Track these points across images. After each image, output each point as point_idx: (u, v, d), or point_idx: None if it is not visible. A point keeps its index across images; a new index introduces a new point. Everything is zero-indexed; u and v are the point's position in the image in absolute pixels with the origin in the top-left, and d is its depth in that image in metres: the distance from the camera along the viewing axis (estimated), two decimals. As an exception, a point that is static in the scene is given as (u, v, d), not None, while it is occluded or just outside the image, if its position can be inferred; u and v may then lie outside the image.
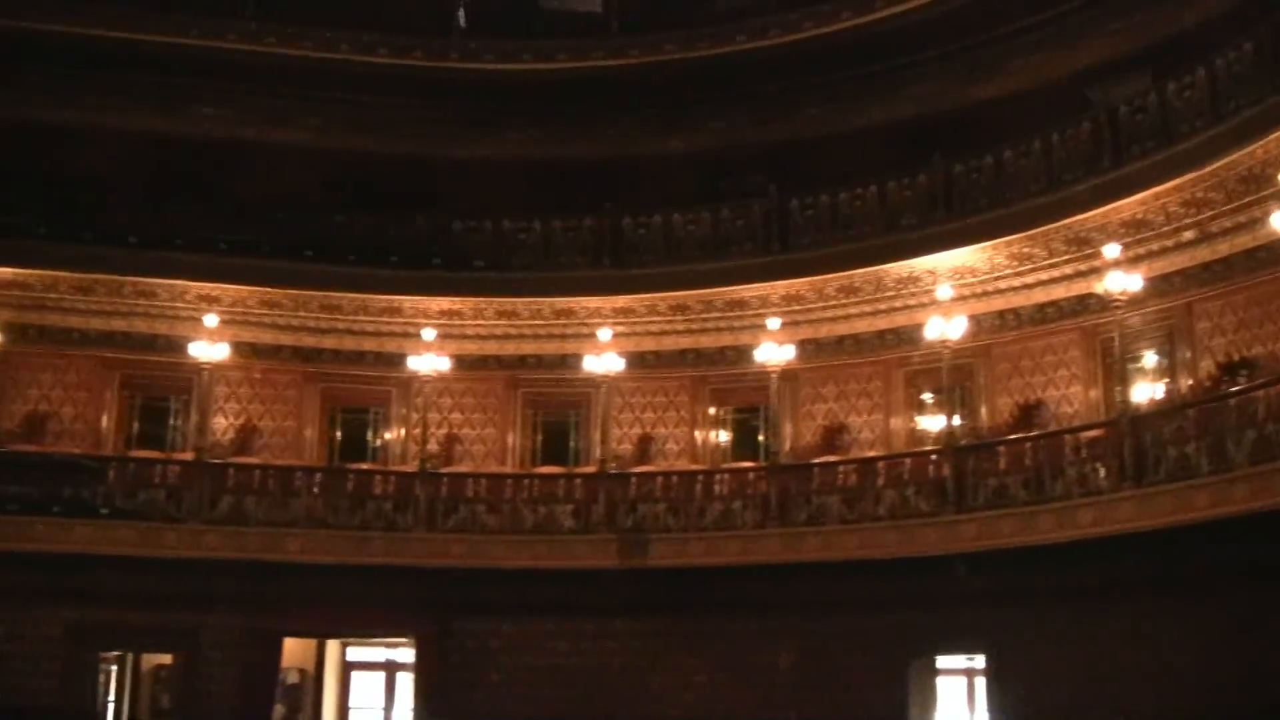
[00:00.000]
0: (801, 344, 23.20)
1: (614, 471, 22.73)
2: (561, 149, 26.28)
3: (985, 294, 22.52)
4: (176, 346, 23.58)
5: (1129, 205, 19.74)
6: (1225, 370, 19.72)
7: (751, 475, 22.47)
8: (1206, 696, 17.03)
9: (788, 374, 22.97)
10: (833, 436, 24.17)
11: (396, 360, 24.30)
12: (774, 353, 21.84)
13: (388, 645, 24.66)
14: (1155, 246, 20.35)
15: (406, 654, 23.65)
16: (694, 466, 24.03)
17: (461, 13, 26.60)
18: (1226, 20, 20.03)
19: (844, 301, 23.74)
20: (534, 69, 25.70)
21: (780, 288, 23.45)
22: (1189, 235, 20.13)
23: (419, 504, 22.17)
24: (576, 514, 22.24)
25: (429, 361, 22.67)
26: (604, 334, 22.70)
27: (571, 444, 25.41)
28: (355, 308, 24.49)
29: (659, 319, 24.60)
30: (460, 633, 22.20)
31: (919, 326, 21.62)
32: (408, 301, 24.21)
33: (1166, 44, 21.57)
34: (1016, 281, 22.26)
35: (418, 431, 23.73)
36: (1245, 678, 16.79)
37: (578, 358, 23.42)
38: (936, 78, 24.40)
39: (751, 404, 24.80)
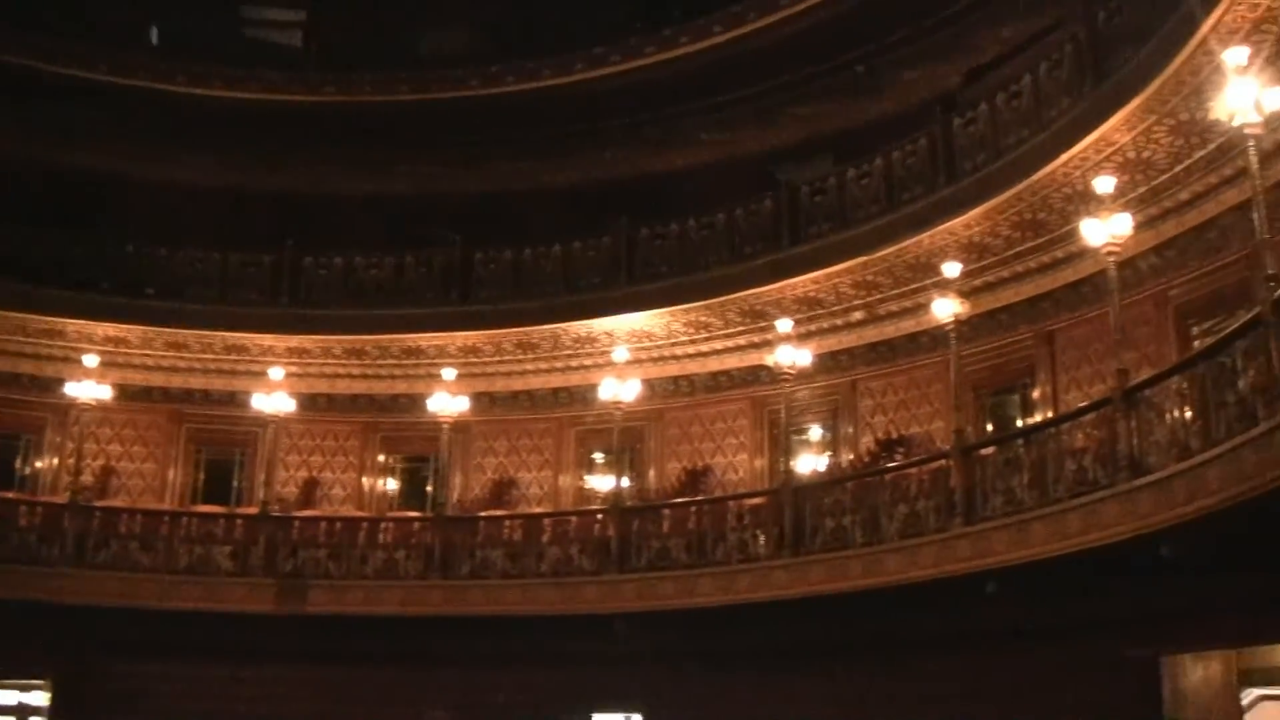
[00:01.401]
0: (476, 396, 23.22)
1: (276, 514, 22.12)
2: (248, 180, 25.58)
3: (661, 359, 23.03)
4: None
5: (803, 283, 20.49)
6: (883, 446, 20.59)
7: (417, 525, 22.16)
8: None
9: (460, 426, 22.82)
10: (502, 491, 24.20)
11: (54, 385, 23.12)
12: (447, 403, 21.62)
13: (20, 687, 23.22)
14: (826, 324, 21.23)
15: (41, 697, 22.33)
16: (359, 513, 23.67)
17: (154, 29, 25.75)
18: (905, 116, 21.15)
19: (521, 357, 23.87)
20: (226, 96, 24.84)
21: (459, 339, 23.38)
22: (858, 315, 21.06)
23: (67, 538, 21.02)
24: (235, 556, 21.44)
25: (89, 389, 21.67)
26: (276, 373, 22.17)
27: (235, 484, 24.73)
28: (13, 328, 23.06)
29: (334, 362, 24.23)
30: (103, 675, 21.00)
31: (594, 387, 21.77)
32: (71, 325, 23.06)
33: (850, 133, 22.61)
34: (692, 349, 22.83)
35: (72, 461, 22.69)
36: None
37: (247, 395, 22.76)
38: (630, 144, 24.83)
39: (422, 454, 24.67)
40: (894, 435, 20.81)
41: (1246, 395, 11.77)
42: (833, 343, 21.50)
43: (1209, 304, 16.94)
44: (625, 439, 21.84)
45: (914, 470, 17.71)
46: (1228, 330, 12.66)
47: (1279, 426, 10.85)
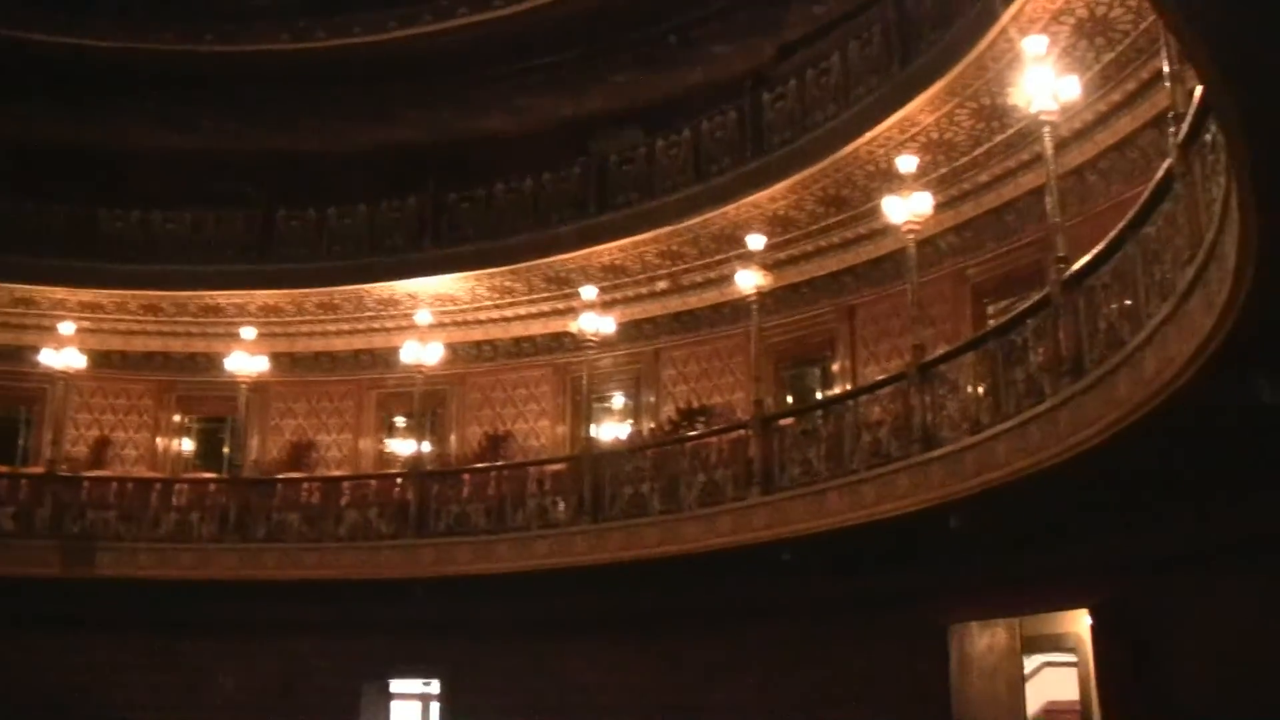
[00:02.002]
0: (276, 357, 22.80)
1: (64, 474, 21.44)
2: (43, 130, 24.40)
3: (464, 323, 22.95)
4: None
5: (609, 251, 20.60)
6: (685, 416, 20.79)
7: (212, 487, 21.71)
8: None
9: (259, 386, 22.44)
10: (301, 453, 23.87)
11: None
12: (246, 363, 21.17)
13: None
14: (631, 293, 21.36)
15: None
16: (152, 474, 23.11)
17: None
18: (717, 89, 21.25)
19: (323, 318, 23.58)
20: (21, 38, 23.42)
21: (259, 297, 22.99)
22: (663, 285, 21.23)
23: None
24: (18, 517, 20.73)
25: None
26: (66, 328, 21.43)
27: (20, 442, 23.94)
28: None
29: (128, 318, 23.61)
30: None
31: (396, 349, 21.54)
32: None
33: (661, 103, 22.61)
34: (496, 314, 22.80)
35: None
36: (683, 707, 17.75)
37: (35, 351, 21.95)
38: (441, 106, 24.37)
39: (219, 414, 24.14)
40: (695, 405, 21.04)
41: (1035, 373, 12.16)
42: (637, 311, 21.64)
43: (1004, 284, 17.45)
44: (427, 403, 21.71)
45: (714, 439, 17.88)
46: (1019, 310, 13.04)
47: (1064, 403, 11.21)
